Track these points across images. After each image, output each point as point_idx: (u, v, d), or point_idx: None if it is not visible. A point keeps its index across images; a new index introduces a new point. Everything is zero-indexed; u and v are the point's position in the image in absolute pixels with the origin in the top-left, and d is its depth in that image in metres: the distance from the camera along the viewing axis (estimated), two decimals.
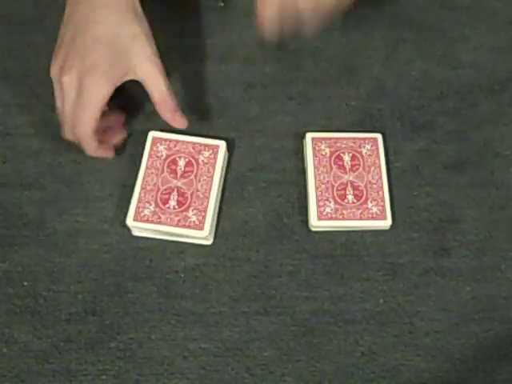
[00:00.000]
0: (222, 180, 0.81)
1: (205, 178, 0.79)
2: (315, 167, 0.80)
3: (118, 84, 0.76)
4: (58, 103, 0.77)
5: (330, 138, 0.82)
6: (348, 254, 0.78)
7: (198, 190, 0.78)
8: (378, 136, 0.82)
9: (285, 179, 0.82)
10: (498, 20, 0.92)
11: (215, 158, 0.80)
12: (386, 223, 0.78)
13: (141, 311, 0.75)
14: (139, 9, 0.77)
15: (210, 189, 0.78)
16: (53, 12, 0.91)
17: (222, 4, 0.92)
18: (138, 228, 0.77)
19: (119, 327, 0.74)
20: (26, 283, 0.76)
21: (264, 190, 0.81)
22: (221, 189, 0.80)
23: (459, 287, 0.77)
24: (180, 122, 0.79)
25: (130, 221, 0.76)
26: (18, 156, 0.83)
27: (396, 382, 0.72)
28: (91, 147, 0.78)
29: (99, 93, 0.75)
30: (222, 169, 0.80)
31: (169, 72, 0.87)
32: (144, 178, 0.78)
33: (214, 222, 0.78)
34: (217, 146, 0.80)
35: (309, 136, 0.82)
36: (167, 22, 0.90)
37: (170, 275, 0.77)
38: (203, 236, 0.76)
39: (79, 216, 0.79)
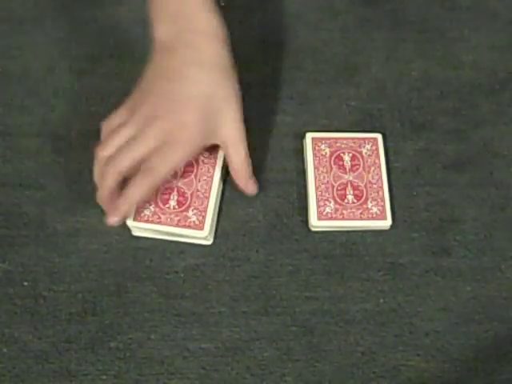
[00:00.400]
0: (222, 180, 0.81)
1: (205, 177, 0.79)
2: (315, 167, 0.80)
3: (200, 149, 0.75)
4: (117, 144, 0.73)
5: (329, 138, 0.82)
6: (348, 254, 0.78)
7: (198, 190, 0.78)
8: (378, 136, 0.83)
9: (285, 179, 0.82)
10: (498, 20, 0.92)
11: (215, 158, 0.80)
12: (385, 223, 0.78)
13: (141, 311, 0.75)
14: (232, 68, 0.76)
15: (210, 189, 0.78)
16: (53, 12, 0.91)
17: (223, 4, 0.92)
18: (138, 228, 0.77)
19: (119, 327, 0.74)
20: (25, 283, 0.76)
21: (264, 190, 0.81)
22: (221, 189, 0.80)
23: (459, 287, 0.77)
24: (252, 188, 0.78)
25: (130, 221, 0.77)
26: (18, 156, 0.83)
27: (396, 382, 0.72)
28: (139, 195, 0.73)
29: (182, 153, 0.73)
30: (222, 168, 0.80)
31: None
32: None
33: (214, 222, 0.78)
34: (216, 146, 0.80)
35: (309, 136, 0.82)
36: None
37: (170, 275, 0.77)
38: (203, 236, 0.76)
39: (79, 216, 0.79)
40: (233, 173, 0.77)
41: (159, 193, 0.78)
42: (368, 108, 0.86)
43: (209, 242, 0.78)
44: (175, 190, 0.78)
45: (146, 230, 0.77)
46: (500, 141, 0.84)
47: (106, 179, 0.73)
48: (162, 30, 0.76)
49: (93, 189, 0.80)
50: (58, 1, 0.92)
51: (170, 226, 0.76)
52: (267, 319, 0.75)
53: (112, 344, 0.74)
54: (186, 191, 0.78)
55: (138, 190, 0.73)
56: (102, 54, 0.89)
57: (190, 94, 0.74)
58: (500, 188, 0.82)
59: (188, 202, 0.77)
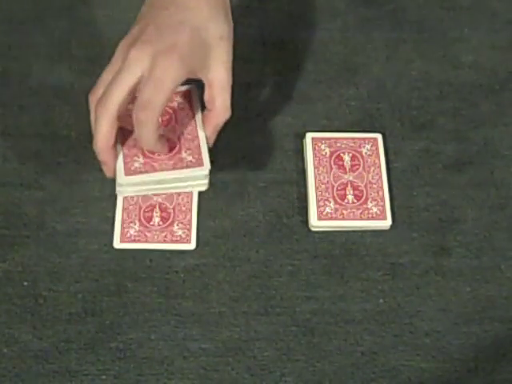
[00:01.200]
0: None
1: (186, 120, 0.77)
2: (315, 167, 0.80)
3: (189, 76, 0.70)
4: (106, 71, 0.70)
5: (329, 138, 0.82)
6: (348, 254, 0.78)
7: (179, 204, 0.78)
8: (378, 136, 0.83)
9: (285, 179, 0.82)
10: (498, 20, 0.92)
11: (191, 101, 0.78)
12: (385, 223, 0.78)
13: (141, 311, 0.75)
14: (229, 10, 0.73)
15: (192, 200, 0.78)
16: (53, 12, 0.91)
17: None
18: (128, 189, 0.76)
19: (119, 327, 0.74)
20: (26, 283, 0.76)
21: (264, 189, 0.81)
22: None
23: (459, 287, 0.77)
24: (211, 143, 0.76)
25: (116, 243, 0.77)
26: (18, 156, 0.82)
27: (396, 382, 0.72)
28: (150, 135, 0.70)
29: (175, 75, 0.68)
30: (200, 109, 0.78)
31: None
32: (124, 199, 0.78)
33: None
34: (188, 91, 0.78)
35: (309, 136, 0.82)
36: None
37: (170, 275, 0.77)
38: (191, 248, 0.77)
39: (79, 216, 0.79)
40: (206, 116, 0.74)
41: (142, 211, 0.78)
42: (368, 108, 0.86)
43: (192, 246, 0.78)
44: (157, 206, 0.78)
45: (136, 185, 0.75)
46: (500, 141, 0.84)
47: (98, 122, 0.69)
48: None
49: (92, 188, 0.80)
50: (58, 1, 0.92)
51: (157, 242, 0.76)
52: (267, 319, 0.75)
53: (112, 344, 0.74)
54: (168, 206, 0.78)
55: (144, 130, 0.69)
56: (102, 54, 0.88)
57: (183, 19, 0.70)
58: (500, 188, 0.82)
59: (172, 217, 0.77)
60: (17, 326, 0.74)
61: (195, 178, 0.76)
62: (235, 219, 0.80)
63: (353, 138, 0.82)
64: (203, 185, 0.77)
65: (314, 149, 0.81)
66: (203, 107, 0.77)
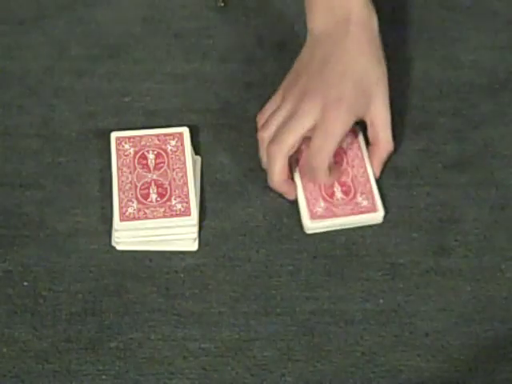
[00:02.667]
0: (199, 167, 0.81)
1: (178, 165, 0.79)
2: (300, 167, 0.80)
3: (355, 122, 0.78)
4: (278, 117, 0.78)
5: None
6: (348, 254, 0.78)
7: (174, 179, 0.78)
8: (357, 128, 0.82)
9: None
10: (498, 20, 0.92)
11: (182, 144, 0.80)
12: (378, 215, 0.78)
13: (141, 311, 0.75)
14: (383, 55, 0.80)
15: (186, 175, 0.78)
16: (53, 12, 0.91)
17: (222, 4, 0.92)
18: (123, 235, 0.77)
19: (119, 327, 0.74)
20: (26, 283, 0.76)
21: (264, 189, 0.81)
22: (199, 175, 0.81)
23: (459, 287, 0.77)
24: (377, 175, 0.81)
25: (117, 222, 0.76)
26: (18, 156, 0.83)
27: (396, 382, 0.72)
28: (324, 176, 0.78)
29: (342, 127, 0.76)
30: (193, 154, 0.80)
31: (169, 72, 0.87)
32: (119, 179, 0.78)
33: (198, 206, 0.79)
34: (181, 133, 0.80)
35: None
36: (167, 21, 0.91)
37: (170, 275, 0.77)
38: (192, 223, 0.76)
39: (79, 216, 0.79)
40: (374, 149, 0.80)
41: (138, 189, 0.78)
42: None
43: (194, 235, 0.78)
44: (152, 182, 0.78)
45: (132, 237, 0.77)
46: (500, 141, 0.84)
47: (273, 161, 0.77)
48: (318, 20, 0.80)
49: (92, 188, 0.81)
50: (58, 1, 0.92)
51: (158, 218, 0.76)
52: (267, 319, 0.75)
53: (112, 344, 0.74)
54: (164, 182, 0.78)
55: (318, 173, 0.77)
56: (101, 54, 0.89)
57: (345, 71, 0.77)
58: (500, 188, 0.82)
59: (169, 192, 0.77)
60: (17, 326, 0.74)
61: (183, 227, 0.77)
62: (235, 219, 0.80)
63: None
64: (192, 239, 0.77)
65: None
66: (196, 151, 0.81)
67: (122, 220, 0.76)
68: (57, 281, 0.76)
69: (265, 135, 0.78)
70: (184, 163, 0.79)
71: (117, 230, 0.76)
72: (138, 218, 0.76)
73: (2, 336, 0.74)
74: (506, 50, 0.90)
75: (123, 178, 0.78)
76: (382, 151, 0.80)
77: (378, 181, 0.81)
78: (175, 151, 0.79)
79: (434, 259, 0.78)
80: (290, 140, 0.76)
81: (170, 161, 0.79)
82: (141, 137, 0.80)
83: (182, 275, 0.77)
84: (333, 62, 0.78)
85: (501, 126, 0.85)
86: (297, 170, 0.80)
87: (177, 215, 0.76)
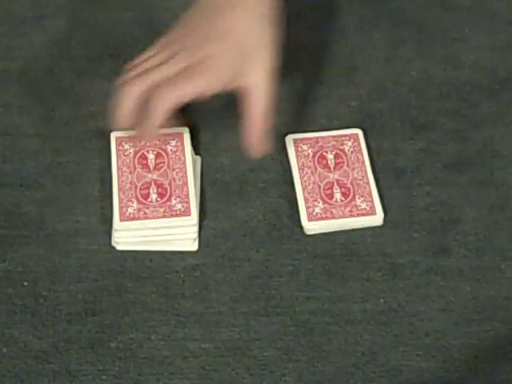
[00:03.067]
0: (199, 167, 0.81)
1: (178, 165, 0.79)
2: (299, 168, 0.80)
3: (225, 88, 0.74)
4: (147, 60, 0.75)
5: (310, 138, 0.82)
6: (348, 254, 0.78)
7: (174, 179, 0.78)
8: (359, 132, 0.82)
9: (285, 179, 0.82)
10: (498, 20, 0.92)
11: (183, 144, 0.80)
12: (377, 218, 0.78)
13: (141, 311, 0.75)
14: (275, 19, 0.75)
15: (186, 175, 0.78)
16: (53, 12, 0.91)
17: None
18: (123, 236, 0.77)
19: (119, 327, 0.74)
20: (26, 283, 0.76)
21: (264, 189, 0.81)
22: (199, 175, 0.81)
23: (459, 287, 0.77)
24: (261, 149, 0.75)
25: (117, 222, 0.76)
26: (18, 156, 0.83)
27: (396, 381, 0.72)
28: (155, 121, 0.73)
29: (205, 82, 0.73)
30: (193, 154, 0.80)
31: None
32: (119, 178, 0.78)
33: (198, 206, 0.79)
34: (181, 134, 0.80)
35: (289, 138, 0.82)
36: (167, 21, 0.90)
37: (170, 275, 0.77)
38: (192, 223, 0.76)
39: (79, 216, 0.79)
40: (246, 124, 0.75)
41: (138, 189, 0.78)
42: (368, 108, 0.86)
43: (195, 234, 0.78)
44: (152, 183, 0.78)
45: (132, 237, 0.77)
46: (500, 141, 0.84)
47: (124, 95, 0.74)
48: None
49: (92, 188, 0.81)
50: (58, 1, 0.92)
51: (157, 218, 0.76)
52: (267, 319, 0.75)
53: (112, 344, 0.74)
54: (164, 182, 0.78)
55: (161, 101, 0.72)
56: (101, 54, 0.89)
57: (224, 30, 0.74)
58: (500, 188, 0.82)
59: (169, 192, 0.77)
60: (17, 325, 0.74)
61: (183, 227, 0.77)
62: (235, 219, 0.80)
63: (334, 136, 0.82)
64: (192, 239, 0.77)
65: (296, 150, 0.82)
66: (196, 151, 0.80)
67: (122, 220, 0.76)
68: (57, 281, 0.76)
69: (130, 74, 0.75)
70: (184, 163, 0.79)
71: (117, 230, 0.76)
72: (138, 218, 0.76)
73: (2, 336, 0.74)
74: (506, 50, 0.90)
75: (123, 178, 0.78)
76: (254, 125, 0.73)
77: (377, 181, 0.81)
78: (175, 151, 0.79)
79: (434, 259, 0.78)
80: (146, 82, 0.73)
81: (170, 161, 0.79)
82: (317, 138, 0.81)
83: (182, 275, 0.77)
84: (217, 20, 0.74)
85: (501, 126, 0.85)
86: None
87: (177, 215, 0.76)
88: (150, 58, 0.76)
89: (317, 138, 0.82)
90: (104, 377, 0.72)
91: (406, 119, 0.85)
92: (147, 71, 0.75)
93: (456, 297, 0.76)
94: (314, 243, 0.78)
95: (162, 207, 0.77)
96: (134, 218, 0.76)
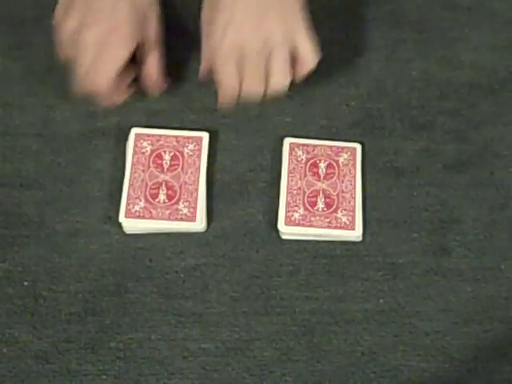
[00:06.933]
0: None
1: (192, 169, 0.79)
2: (289, 172, 0.80)
3: (134, 47, 0.78)
4: (66, 52, 0.79)
5: (307, 145, 0.82)
6: (348, 254, 0.78)
7: (186, 183, 0.78)
8: (357, 146, 0.82)
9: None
10: (498, 20, 0.92)
11: (200, 149, 0.80)
12: (354, 233, 0.77)
13: (141, 311, 0.75)
14: None
15: (198, 180, 0.78)
16: (53, 12, 0.91)
17: None
18: (130, 225, 0.77)
19: (119, 327, 0.74)
20: (26, 283, 0.76)
21: (264, 189, 0.81)
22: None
23: (459, 287, 0.77)
24: (161, 86, 0.83)
25: (122, 218, 0.77)
26: (18, 156, 0.83)
27: (396, 381, 0.72)
28: (105, 99, 0.79)
29: (122, 52, 0.77)
30: (208, 160, 0.80)
31: (169, 72, 0.87)
32: (131, 175, 0.79)
33: (205, 212, 0.78)
34: (200, 138, 0.80)
35: (286, 141, 0.82)
36: (167, 21, 0.90)
37: (170, 275, 0.77)
38: (196, 228, 0.76)
39: (79, 216, 0.79)
40: (145, 72, 0.81)
41: (148, 188, 0.78)
42: (368, 108, 0.86)
43: (202, 229, 0.78)
44: (163, 184, 0.78)
45: (137, 226, 0.77)
46: (500, 141, 0.84)
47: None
48: None
49: (92, 188, 0.81)
50: (58, 1, 0.92)
51: (162, 219, 0.76)
52: (267, 319, 0.75)
53: (112, 344, 0.74)
54: (175, 184, 0.78)
55: (99, 94, 0.79)
56: None
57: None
58: (500, 188, 0.82)
59: (178, 195, 0.77)
60: (17, 326, 0.74)
61: (187, 229, 0.77)
62: (235, 219, 0.80)
63: (330, 147, 0.82)
64: (199, 229, 0.78)
65: (290, 154, 0.81)
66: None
67: (127, 217, 0.76)
68: (57, 281, 0.76)
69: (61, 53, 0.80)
70: (198, 168, 0.79)
71: (123, 225, 0.77)
72: (143, 217, 0.76)
73: (2, 336, 0.74)
74: (506, 50, 0.90)
75: (136, 175, 0.78)
76: (152, 73, 0.81)
77: (378, 180, 0.81)
78: (191, 155, 0.80)
79: (434, 259, 0.78)
80: (107, 70, 0.77)
81: (185, 164, 0.79)
82: (160, 136, 0.81)
83: (182, 275, 0.77)
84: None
85: (501, 126, 0.85)
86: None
87: (181, 219, 0.76)
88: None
89: (314, 145, 0.82)
90: (104, 377, 0.72)
91: (406, 119, 0.85)
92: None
93: (456, 297, 0.76)
94: (314, 243, 0.78)
95: (168, 209, 0.77)
96: (139, 217, 0.76)
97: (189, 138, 0.81)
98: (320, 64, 0.89)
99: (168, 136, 0.81)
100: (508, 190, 0.81)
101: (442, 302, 0.76)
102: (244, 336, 0.74)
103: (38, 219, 0.79)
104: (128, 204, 0.77)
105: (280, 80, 0.77)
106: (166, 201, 0.77)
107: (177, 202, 0.77)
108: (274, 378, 0.72)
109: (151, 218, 0.77)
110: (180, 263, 0.77)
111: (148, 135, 0.81)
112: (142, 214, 0.77)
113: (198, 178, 0.79)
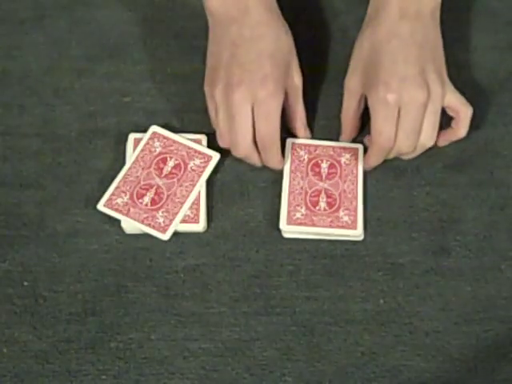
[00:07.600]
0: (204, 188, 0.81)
1: (187, 184, 0.79)
2: (291, 172, 0.80)
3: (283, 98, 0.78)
4: (222, 120, 0.78)
5: (309, 145, 0.82)
6: (348, 254, 0.78)
7: (175, 195, 0.78)
8: (359, 146, 0.82)
9: None
10: (498, 20, 0.92)
11: (204, 168, 0.80)
12: (356, 233, 0.77)
13: (141, 311, 0.75)
14: (286, 24, 0.80)
15: (188, 196, 0.78)
16: (53, 12, 0.91)
17: None
18: (291, 231, 0.78)
19: (119, 327, 0.74)
20: (26, 283, 0.76)
21: (264, 189, 0.81)
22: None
23: (459, 287, 0.77)
24: (307, 134, 0.83)
25: (100, 205, 0.77)
26: (18, 156, 0.83)
27: (396, 382, 0.72)
28: (277, 157, 0.79)
29: (276, 103, 0.76)
30: (206, 180, 0.80)
31: (169, 72, 0.87)
32: (129, 169, 0.79)
33: (205, 212, 0.79)
34: (210, 157, 0.80)
35: (289, 141, 0.82)
36: (167, 21, 0.90)
37: (170, 275, 0.77)
38: (357, 234, 0.77)
39: (79, 216, 0.79)
40: (292, 116, 0.82)
41: (138, 186, 0.78)
42: (368, 108, 0.86)
43: (202, 229, 0.78)
44: (154, 187, 0.78)
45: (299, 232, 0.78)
46: (500, 141, 0.84)
47: (249, 158, 0.79)
48: (215, 2, 0.78)
49: (92, 188, 0.81)
50: (58, 1, 0.92)
51: (136, 221, 0.76)
52: (267, 319, 0.75)
53: (112, 344, 0.74)
54: (164, 192, 0.78)
55: (270, 155, 0.78)
56: (101, 54, 0.89)
57: (259, 51, 0.77)
58: (500, 188, 0.82)
59: (161, 203, 0.77)
60: (17, 325, 0.74)
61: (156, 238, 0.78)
62: (235, 219, 0.80)
63: (333, 147, 0.82)
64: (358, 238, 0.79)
65: (292, 154, 0.82)
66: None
67: (288, 224, 0.77)
68: (57, 281, 0.76)
69: (223, 145, 0.79)
70: (356, 177, 0.80)
71: (284, 231, 0.78)
72: (305, 224, 0.77)
73: (2, 336, 0.74)
74: (506, 50, 0.90)
75: (294, 183, 0.79)
76: (301, 117, 0.82)
77: (378, 180, 0.81)
78: (348, 164, 0.80)
79: (434, 259, 0.78)
80: (242, 141, 0.77)
81: (343, 172, 0.80)
82: (316, 146, 0.82)
83: (182, 275, 0.77)
84: (242, 45, 0.77)
85: (501, 125, 0.85)
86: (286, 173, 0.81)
87: (342, 227, 0.77)
88: (216, 113, 0.79)
89: (316, 145, 0.82)
90: (104, 377, 0.72)
91: None
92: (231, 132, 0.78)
93: (456, 297, 0.76)
94: (314, 243, 0.78)
95: (329, 217, 0.77)
96: (300, 224, 0.77)
97: (199, 152, 0.81)
98: (320, 64, 0.89)
99: (180, 144, 0.81)
100: (508, 190, 0.81)
101: (441, 301, 0.76)
102: (244, 336, 0.74)
103: (38, 219, 0.79)
104: (289, 211, 0.78)
105: (432, 136, 0.78)
106: (327, 208, 0.78)
107: (337, 210, 0.78)
108: (274, 377, 0.72)
109: (313, 225, 0.77)
110: (180, 263, 0.77)
111: (163, 136, 0.81)
112: (120, 208, 0.77)
113: (190, 193, 0.79)
